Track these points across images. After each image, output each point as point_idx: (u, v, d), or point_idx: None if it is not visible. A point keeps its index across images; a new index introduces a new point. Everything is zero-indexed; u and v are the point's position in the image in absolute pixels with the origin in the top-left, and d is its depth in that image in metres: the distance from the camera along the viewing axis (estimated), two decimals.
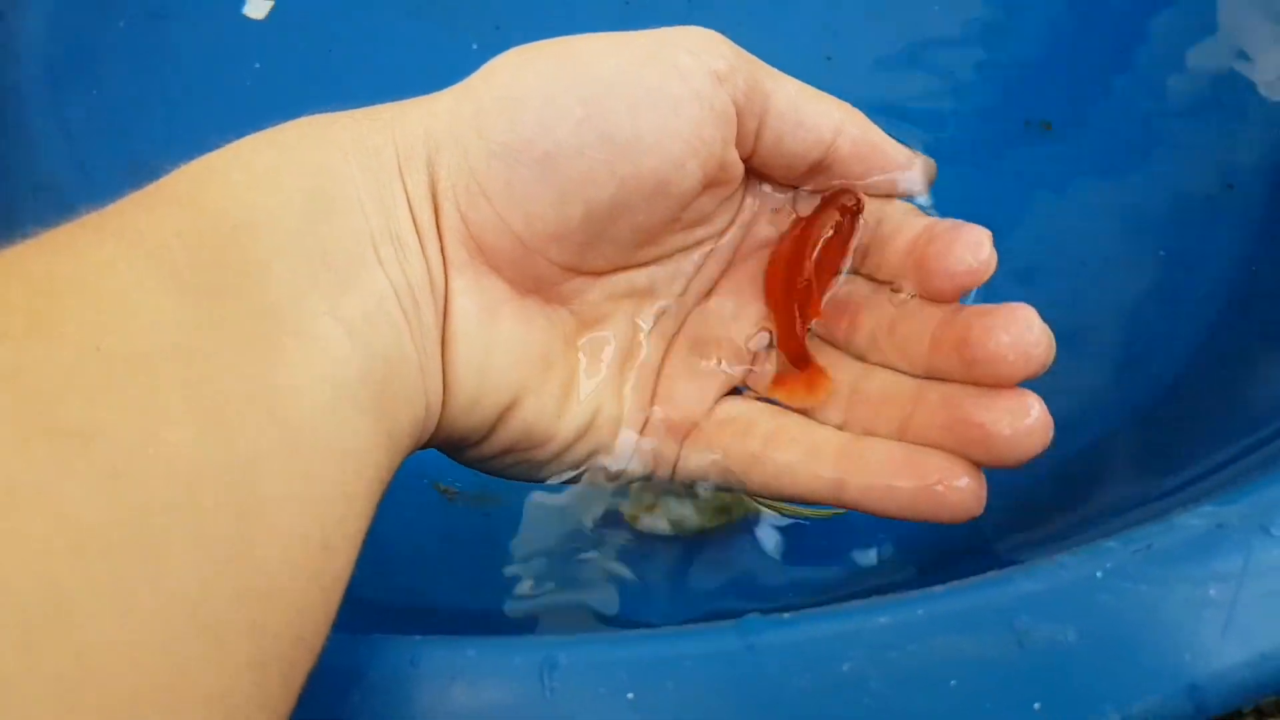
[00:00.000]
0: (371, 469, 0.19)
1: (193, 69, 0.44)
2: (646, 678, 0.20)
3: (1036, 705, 0.19)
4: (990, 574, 0.21)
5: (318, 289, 0.19)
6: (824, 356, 0.24)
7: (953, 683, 0.19)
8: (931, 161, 0.24)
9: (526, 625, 0.32)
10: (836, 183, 0.24)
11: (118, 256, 0.18)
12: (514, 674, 0.20)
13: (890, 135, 0.24)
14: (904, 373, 0.23)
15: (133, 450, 0.15)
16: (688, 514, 0.33)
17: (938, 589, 0.21)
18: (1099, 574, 0.20)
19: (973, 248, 0.21)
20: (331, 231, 0.20)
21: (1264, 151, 0.35)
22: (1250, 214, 0.34)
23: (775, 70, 0.23)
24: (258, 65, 0.44)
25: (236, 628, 0.16)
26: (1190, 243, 0.34)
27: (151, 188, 0.20)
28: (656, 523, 0.34)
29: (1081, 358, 0.33)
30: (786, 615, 0.21)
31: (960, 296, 0.22)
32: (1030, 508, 0.29)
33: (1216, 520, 0.21)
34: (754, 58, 0.23)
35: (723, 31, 0.22)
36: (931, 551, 0.30)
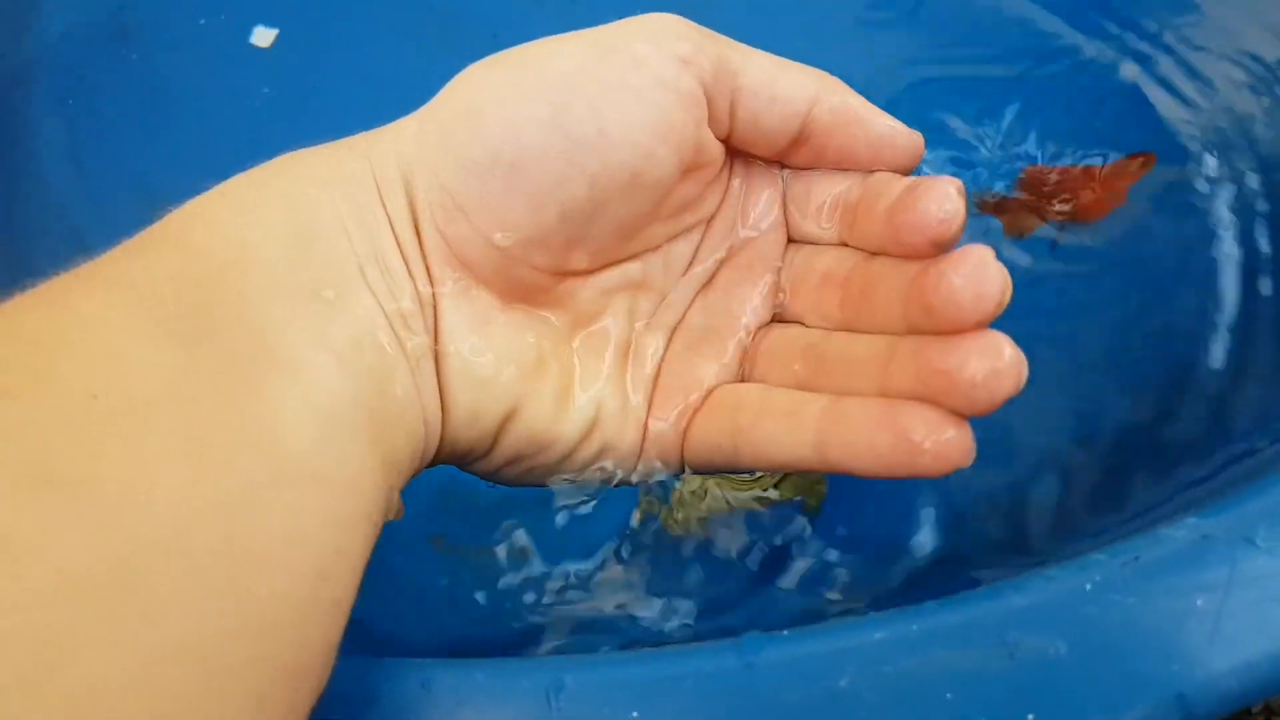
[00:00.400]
0: (369, 494, 0.20)
1: (203, 99, 0.45)
2: (649, 697, 0.20)
3: (1029, 717, 0.20)
4: (981, 588, 0.21)
5: (305, 319, 0.20)
6: (812, 334, 0.24)
7: (948, 695, 0.20)
8: (917, 134, 0.24)
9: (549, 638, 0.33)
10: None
11: (110, 306, 0.18)
12: (522, 696, 0.20)
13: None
14: (885, 334, 0.22)
15: (125, 496, 0.16)
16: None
17: (930, 604, 0.21)
18: (1088, 586, 0.21)
19: (939, 198, 0.21)
20: (316, 261, 0.21)
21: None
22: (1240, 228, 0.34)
23: (744, 46, 0.23)
24: (266, 90, 0.45)
25: (234, 661, 0.16)
26: (1174, 258, 0.35)
27: (143, 234, 0.21)
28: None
29: (1066, 373, 0.33)
30: (785, 632, 0.21)
31: (934, 250, 0.21)
32: (1017, 525, 0.30)
33: (1202, 532, 0.21)
34: (720, 36, 0.22)
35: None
36: (923, 565, 0.30)
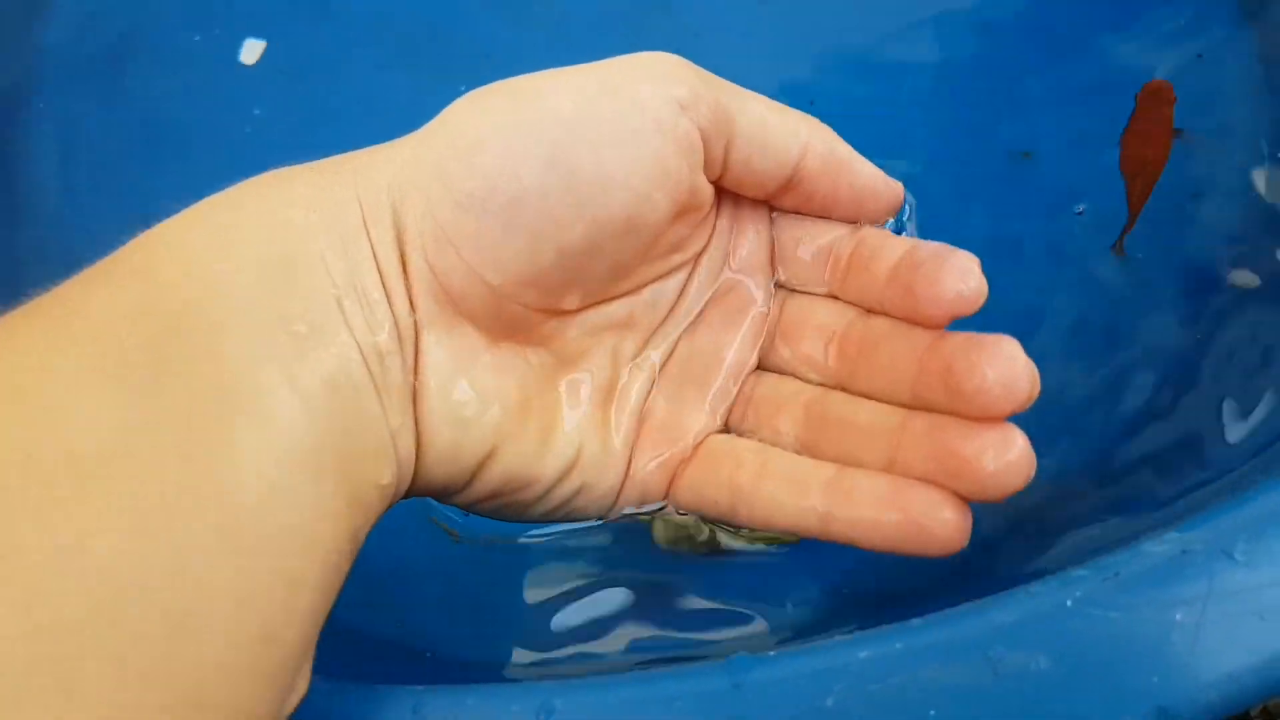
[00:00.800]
0: (326, 541, 0.19)
1: (192, 116, 0.45)
2: (639, 717, 0.21)
3: None
4: (964, 605, 0.21)
5: (275, 359, 0.19)
6: (807, 391, 0.24)
7: (931, 713, 0.20)
8: (897, 184, 0.24)
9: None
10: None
11: (57, 350, 0.18)
12: None
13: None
14: (889, 402, 0.23)
15: (52, 566, 0.15)
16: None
17: (915, 621, 0.21)
18: (1069, 602, 0.21)
19: (961, 274, 0.21)
20: (293, 294, 0.19)
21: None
22: (1221, 235, 0.35)
23: (740, 89, 0.23)
24: (257, 112, 0.45)
25: None
26: (1162, 267, 0.35)
27: (106, 261, 0.20)
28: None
29: (1057, 383, 0.34)
30: (772, 653, 0.22)
31: (949, 321, 0.22)
32: (1002, 540, 0.30)
33: (1181, 546, 0.21)
34: (718, 79, 0.23)
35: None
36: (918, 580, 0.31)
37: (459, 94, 0.22)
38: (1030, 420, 0.21)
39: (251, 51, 0.46)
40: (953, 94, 0.41)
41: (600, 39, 0.44)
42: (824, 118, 0.24)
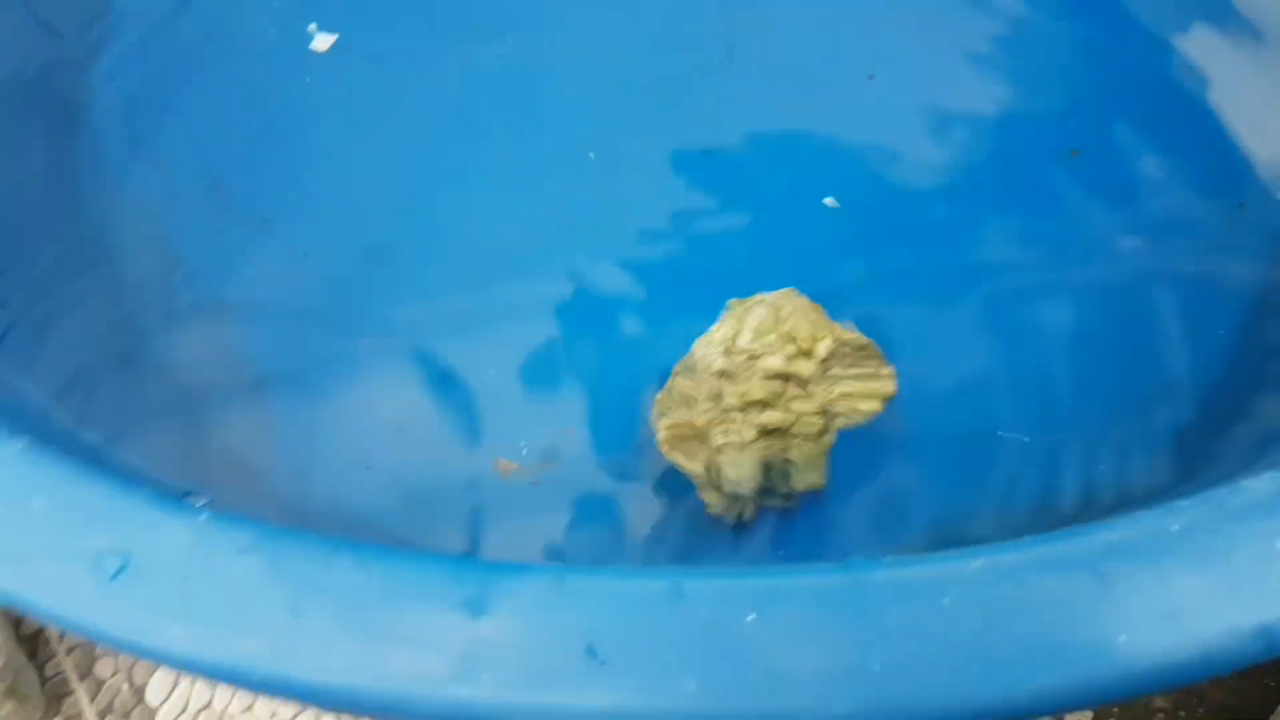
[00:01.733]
0: None
1: (260, 94, 0.47)
2: (766, 603, 0.22)
3: (1123, 637, 0.21)
4: (1077, 525, 0.23)
5: None
6: None
7: (1045, 615, 0.21)
8: None
9: None
10: None
11: None
12: (651, 596, 0.22)
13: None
14: None
15: None
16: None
17: (1026, 539, 0.23)
18: (1175, 527, 0.22)
19: None
20: None
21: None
22: (1261, 243, 0.36)
23: None
24: (317, 90, 0.47)
25: None
26: (1202, 271, 0.37)
27: None
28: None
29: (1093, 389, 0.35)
30: (888, 559, 0.23)
31: None
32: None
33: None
34: None
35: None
36: None
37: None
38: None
39: (321, 40, 0.49)
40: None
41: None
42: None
